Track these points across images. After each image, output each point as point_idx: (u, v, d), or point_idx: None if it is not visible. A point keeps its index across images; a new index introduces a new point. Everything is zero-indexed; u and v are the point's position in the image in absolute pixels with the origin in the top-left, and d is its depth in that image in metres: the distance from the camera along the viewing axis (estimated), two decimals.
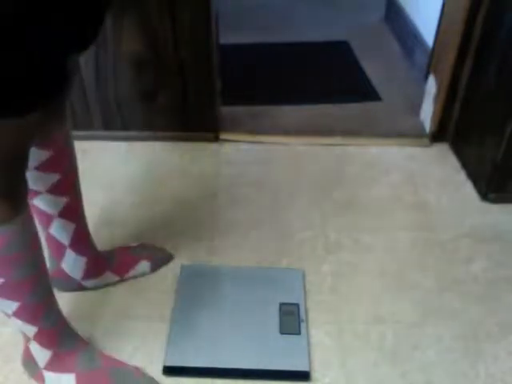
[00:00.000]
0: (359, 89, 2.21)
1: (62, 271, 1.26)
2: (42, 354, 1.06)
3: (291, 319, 1.23)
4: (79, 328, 1.14)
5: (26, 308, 0.96)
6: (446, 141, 1.87)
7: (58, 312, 1.07)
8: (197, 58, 1.68)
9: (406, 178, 1.72)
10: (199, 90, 1.75)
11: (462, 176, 1.73)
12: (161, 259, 1.39)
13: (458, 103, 1.77)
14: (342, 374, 1.15)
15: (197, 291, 1.30)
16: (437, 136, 1.87)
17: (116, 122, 1.82)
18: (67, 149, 1.10)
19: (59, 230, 1.17)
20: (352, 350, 1.20)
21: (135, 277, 1.35)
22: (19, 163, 0.86)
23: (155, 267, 1.37)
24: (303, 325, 1.22)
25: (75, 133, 1.17)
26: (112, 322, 1.25)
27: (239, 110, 2.03)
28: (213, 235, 1.49)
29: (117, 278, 1.33)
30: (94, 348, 1.14)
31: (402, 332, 1.23)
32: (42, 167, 1.04)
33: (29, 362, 1.09)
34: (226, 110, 1.94)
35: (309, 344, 1.19)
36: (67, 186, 1.12)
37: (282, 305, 1.26)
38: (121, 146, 1.84)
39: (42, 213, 1.12)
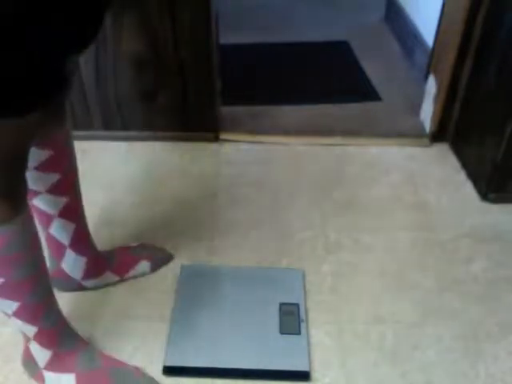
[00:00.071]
0: (359, 89, 2.21)
1: (62, 271, 1.26)
2: (42, 354, 1.06)
3: (291, 319, 1.23)
4: (79, 328, 1.14)
5: (26, 308, 0.96)
6: (446, 141, 1.87)
7: (58, 312, 1.07)
8: (197, 58, 1.68)
9: (406, 178, 1.72)
10: (199, 90, 1.75)
11: (462, 176, 1.73)
12: (161, 259, 1.39)
13: (458, 103, 1.77)
14: (342, 373, 1.15)
15: (197, 291, 1.30)
16: (437, 136, 1.87)
17: (116, 122, 1.82)
18: (67, 149, 1.10)
19: (59, 230, 1.17)
20: (352, 350, 1.20)
21: (135, 277, 1.34)
22: (19, 163, 0.86)
23: (155, 267, 1.37)
24: (303, 325, 1.22)
25: (75, 133, 1.17)
26: (112, 322, 1.25)
27: (239, 109, 2.03)
28: (213, 235, 1.49)
29: (117, 278, 1.33)
30: (94, 348, 1.14)
31: (402, 332, 1.23)
32: (42, 167, 1.04)
33: (29, 362, 1.09)
34: (226, 110, 1.94)
35: (309, 344, 1.19)
36: (67, 186, 1.12)
37: (281, 305, 1.26)
38: (121, 146, 1.84)
39: (41, 213, 1.12)
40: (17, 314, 0.96)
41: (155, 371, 1.13)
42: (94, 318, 1.25)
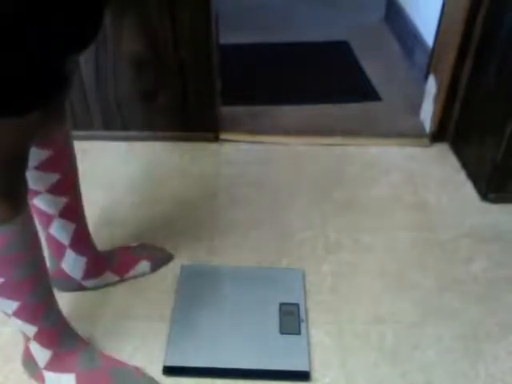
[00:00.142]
0: (359, 89, 2.21)
1: (62, 271, 1.26)
2: (41, 354, 1.06)
3: (291, 319, 1.23)
4: (79, 328, 1.14)
5: (26, 308, 0.96)
6: (446, 141, 1.87)
7: (58, 312, 1.07)
8: (197, 57, 1.68)
9: (406, 177, 1.72)
10: (199, 90, 1.75)
11: (462, 176, 1.73)
12: (161, 259, 1.39)
13: (458, 103, 1.77)
14: (342, 373, 1.15)
15: (197, 291, 1.30)
16: (437, 136, 1.87)
17: (116, 122, 1.82)
18: (67, 149, 1.10)
19: (59, 230, 1.17)
20: (352, 350, 1.20)
21: (135, 277, 1.34)
22: (19, 163, 0.86)
23: (155, 267, 1.37)
24: (303, 325, 1.22)
25: (75, 133, 1.17)
26: (112, 322, 1.25)
27: (239, 109, 2.03)
28: (213, 235, 1.49)
29: (117, 278, 1.33)
30: (94, 348, 1.14)
31: (402, 332, 1.23)
32: (42, 167, 1.04)
33: (29, 361, 1.09)
34: (226, 110, 1.94)
35: (309, 344, 1.19)
36: (67, 186, 1.12)
37: (281, 305, 1.26)
38: (121, 146, 1.84)
39: (42, 213, 1.12)
40: (17, 314, 0.96)
41: (155, 371, 1.13)
42: (94, 318, 1.25)
